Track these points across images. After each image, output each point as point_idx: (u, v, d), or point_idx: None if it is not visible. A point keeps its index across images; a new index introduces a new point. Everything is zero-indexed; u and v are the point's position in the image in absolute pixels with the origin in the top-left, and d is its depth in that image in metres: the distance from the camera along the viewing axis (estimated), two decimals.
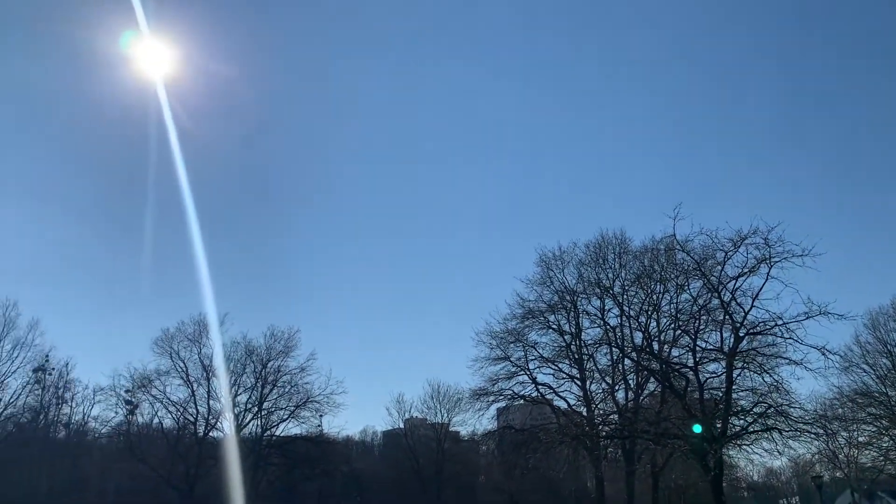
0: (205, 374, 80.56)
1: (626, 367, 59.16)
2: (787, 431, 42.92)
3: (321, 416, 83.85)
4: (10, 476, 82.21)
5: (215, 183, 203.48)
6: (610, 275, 60.75)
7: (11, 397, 78.74)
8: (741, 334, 43.41)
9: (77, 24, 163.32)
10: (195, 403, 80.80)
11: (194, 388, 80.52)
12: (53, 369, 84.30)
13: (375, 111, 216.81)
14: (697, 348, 46.55)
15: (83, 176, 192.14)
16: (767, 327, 43.00)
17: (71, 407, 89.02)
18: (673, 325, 52.82)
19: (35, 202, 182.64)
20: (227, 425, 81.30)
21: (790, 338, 41.98)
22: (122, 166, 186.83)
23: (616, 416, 58.31)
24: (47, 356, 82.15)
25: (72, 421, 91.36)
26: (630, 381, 59.57)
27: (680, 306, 51.65)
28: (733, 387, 44.30)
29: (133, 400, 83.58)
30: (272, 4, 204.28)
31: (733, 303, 43.96)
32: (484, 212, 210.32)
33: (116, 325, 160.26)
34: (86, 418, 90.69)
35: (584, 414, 61.05)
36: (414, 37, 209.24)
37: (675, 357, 51.32)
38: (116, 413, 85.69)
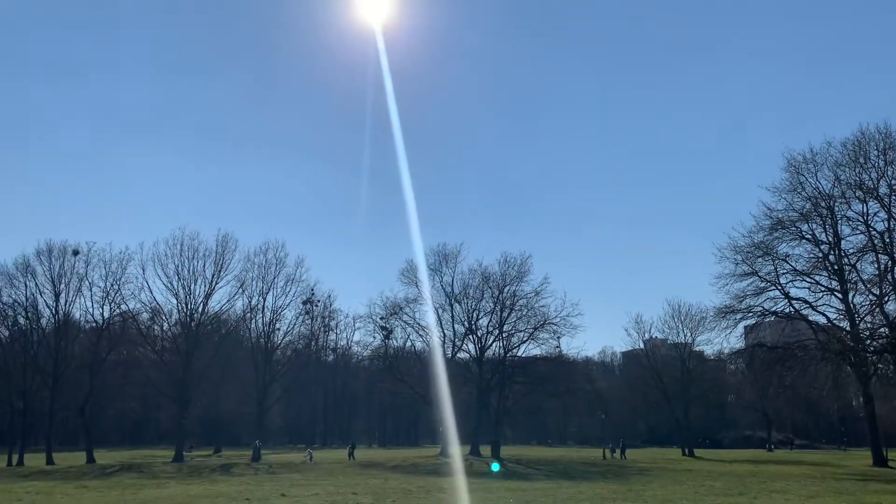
0: (447, 301, 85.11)
1: (895, 277, 53.27)
2: None
3: (559, 337, 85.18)
4: (293, 394, 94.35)
5: (443, 119, 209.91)
6: (874, 175, 54.51)
7: (288, 326, 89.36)
8: None
9: None
10: (441, 327, 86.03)
11: (439, 314, 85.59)
12: (319, 301, 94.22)
13: (597, 31, 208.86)
14: None
15: (321, 123, 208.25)
16: None
17: (336, 334, 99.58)
18: None
19: (284, 151, 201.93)
20: (472, 347, 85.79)
21: None
22: (351, 110, 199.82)
23: (886, 330, 52.96)
24: (313, 289, 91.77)
25: (338, 346, 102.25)
26: None
27: None
28: None
29: (387, 326, 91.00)
30: None
31: None
32: (719, 117, 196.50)
33: (367, 258, 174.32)
34: (349, 343, 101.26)
35: (848, 329, 56.12)
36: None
37: None
38: (374, 338, 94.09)
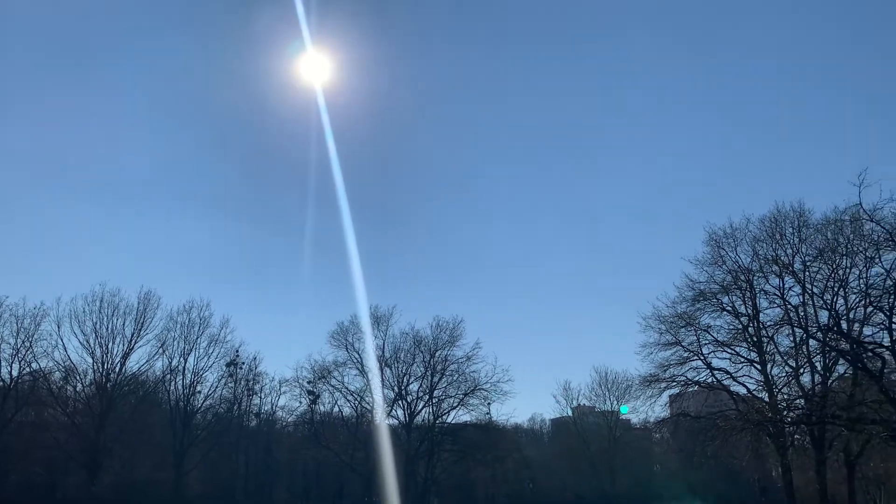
0: (378, 365, 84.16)
1: (811, 349, 55.24)
2: None
3: (489, 403, 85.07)
4: (212, 461, 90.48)
5: (373, 181, 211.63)
6: (789, 251, 57.01)
7: (209, 389, 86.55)
8: None
9: (248, 41, 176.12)
10: (371, 392, 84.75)
11: (369, 378, 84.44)
12: (243, 363, 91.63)
13: (524, 105, 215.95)
14: (894, 326, 42.46)
15: (254, 181, 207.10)
16: None
17: (260, 398, 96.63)
18: (863, 302, 48.72)
19: (214, 209, 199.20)
20: (401, 413, 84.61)
21: None
22: (287, 171, 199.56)
23: (802, 401, 54.50)
24: (237, 351, 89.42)
25: (262, 411, 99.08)
26: (816, 364, 55.45)
27: (871, 281, 47.62)
28: None
29: (315, 390, 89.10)
30: (419, 16, 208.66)
31: None
32: (645, 191, 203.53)
33: (296, 320, 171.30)
34: (274, 408, 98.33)
35: (766, 399, 57.61)
36: (558, 34, 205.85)
37: (868, 336, 47.11)
38: (300, 403, 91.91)
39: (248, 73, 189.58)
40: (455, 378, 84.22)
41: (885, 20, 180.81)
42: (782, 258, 56.88)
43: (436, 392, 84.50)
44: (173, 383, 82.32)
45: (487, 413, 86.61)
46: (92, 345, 74.57)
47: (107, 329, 75.12)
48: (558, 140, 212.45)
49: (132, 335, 75.97)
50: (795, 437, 58.34)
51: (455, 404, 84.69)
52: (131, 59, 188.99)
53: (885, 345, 42.72)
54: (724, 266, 60.68)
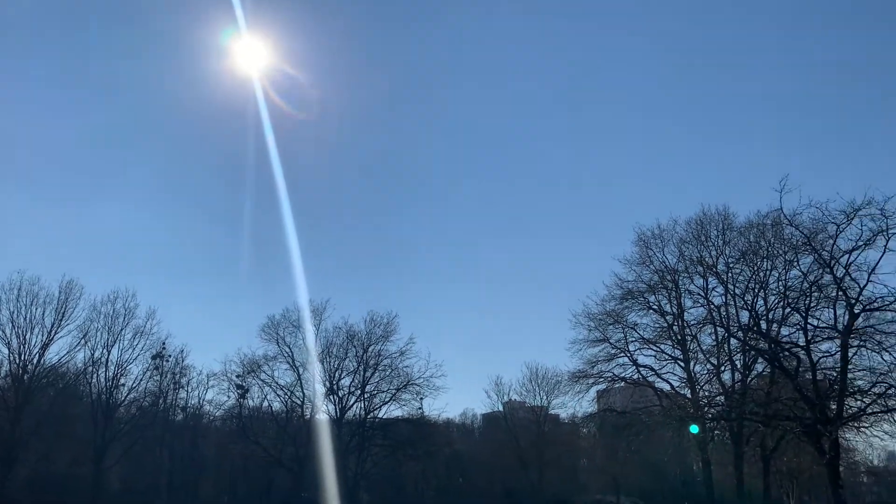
0: (309, 359, 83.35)
1: (731, 348, 57.25)
2: None
3: (421, 398, 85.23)
4: (136, 455, 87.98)
5: (312, 175, 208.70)
6: (713, 252, 58.96)
7: (134, 382, 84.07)
8: (857, 311, 41.08)
9: (178, 22, 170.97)
10: (301, 387, 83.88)
11: (300, 373, 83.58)
12: (170, 356, 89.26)
13: (464, 97, 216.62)
14: (809, 326, 44.36)
15: (188, 170, 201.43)
16: (886, 303, 40.40)
17: (187, 392, 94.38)
18: (782, 303, 50.61)
19: (144, 197, 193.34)
20: (332, 408, 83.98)
21: None
22: (223, 160, 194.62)
23: (722, 398, 56.58)
24: (164, 343, 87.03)
25: (188, 405, 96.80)
26: (736, 362, 57.62)
27: (789, 283, 49.44)
28: (849, 366, 42.11)
29: (244, 384, 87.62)
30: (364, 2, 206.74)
31: (847, 278, 41.57)
32: (578, 192, 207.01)
33: (226, 313, 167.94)
34: (201, 402, 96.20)
35: (689, 396, 59.56)
36: (507, 28, 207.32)
37: (785, 336, 49.12)
38: (229, 397, 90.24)
39: (181, 56, 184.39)
40: (388, 373, 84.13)
41: (813, 26, 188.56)
42: (707, 259, 58.73)
43: (368, 387, 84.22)
44: (95, 376, 79.68)
45: (419, 408, 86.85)
46: (8, 335, 71.57)
47: (25, 319, 72.16)
48: (495, 135, 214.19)
49: (52, 325, 73.19)
50: (716, 432, 60.43)
51: (387, 399, 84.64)
52: (54, 44, 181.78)
53: (801, 345, 44.63)
54: (651, 266, 62.43)
